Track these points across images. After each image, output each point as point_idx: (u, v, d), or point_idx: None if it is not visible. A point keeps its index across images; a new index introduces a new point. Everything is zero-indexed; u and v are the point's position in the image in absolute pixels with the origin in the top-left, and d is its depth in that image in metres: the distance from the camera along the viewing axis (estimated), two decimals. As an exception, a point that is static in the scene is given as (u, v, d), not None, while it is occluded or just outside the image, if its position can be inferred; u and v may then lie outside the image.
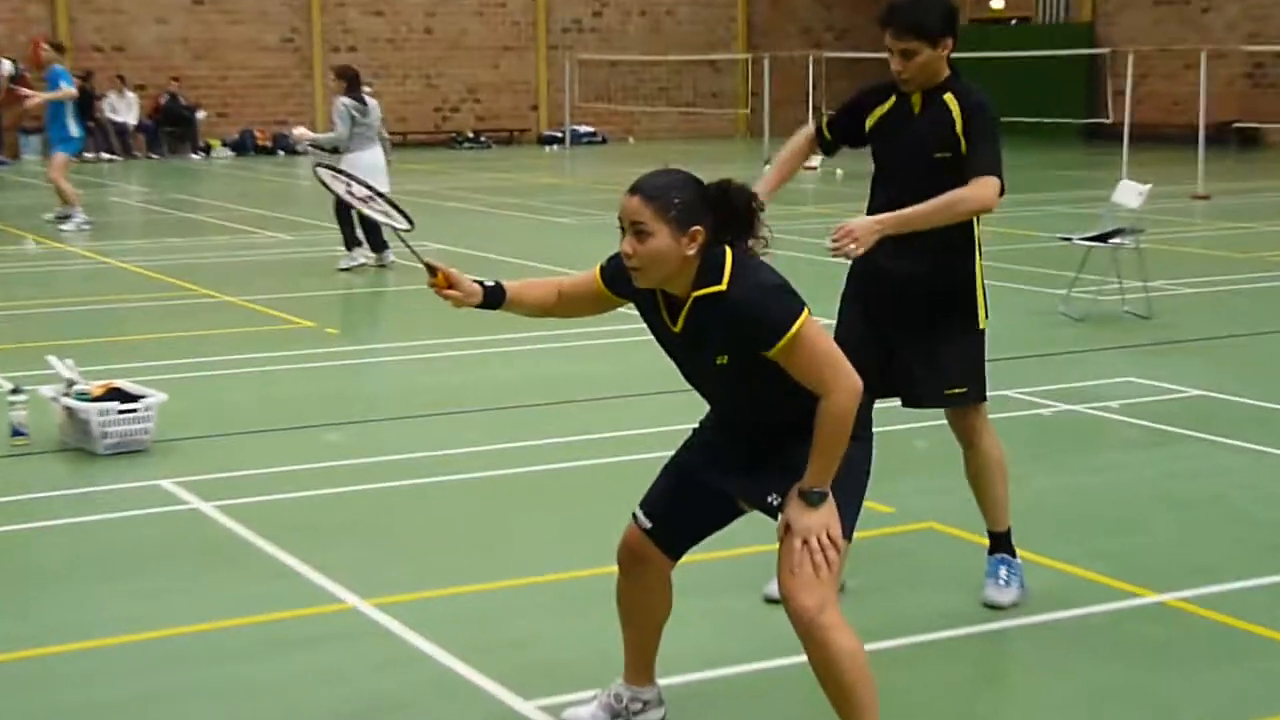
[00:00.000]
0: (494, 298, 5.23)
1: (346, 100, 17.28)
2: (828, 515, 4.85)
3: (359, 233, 17.06)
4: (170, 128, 36.14)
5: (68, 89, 19.74)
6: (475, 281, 5.18)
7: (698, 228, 4.83)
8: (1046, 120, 36.12)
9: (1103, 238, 14.31)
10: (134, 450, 9.15)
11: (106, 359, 11.49)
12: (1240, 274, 16.70)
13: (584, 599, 6.77)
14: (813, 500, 4.85)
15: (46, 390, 9.57)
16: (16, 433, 9.39)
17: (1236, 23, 36.80)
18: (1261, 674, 5.95)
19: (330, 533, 7.77)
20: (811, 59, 33.71)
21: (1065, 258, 15.27)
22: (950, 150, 6.28)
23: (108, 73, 35.81)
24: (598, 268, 5.23)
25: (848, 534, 5.01)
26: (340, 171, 5.65)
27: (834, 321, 6.39)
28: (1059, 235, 15.70)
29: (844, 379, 4.82)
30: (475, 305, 5.20)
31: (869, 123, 6.60)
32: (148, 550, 7.59)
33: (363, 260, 17.15)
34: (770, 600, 6.22)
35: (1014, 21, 41.42)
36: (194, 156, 35.75)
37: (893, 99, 6.51)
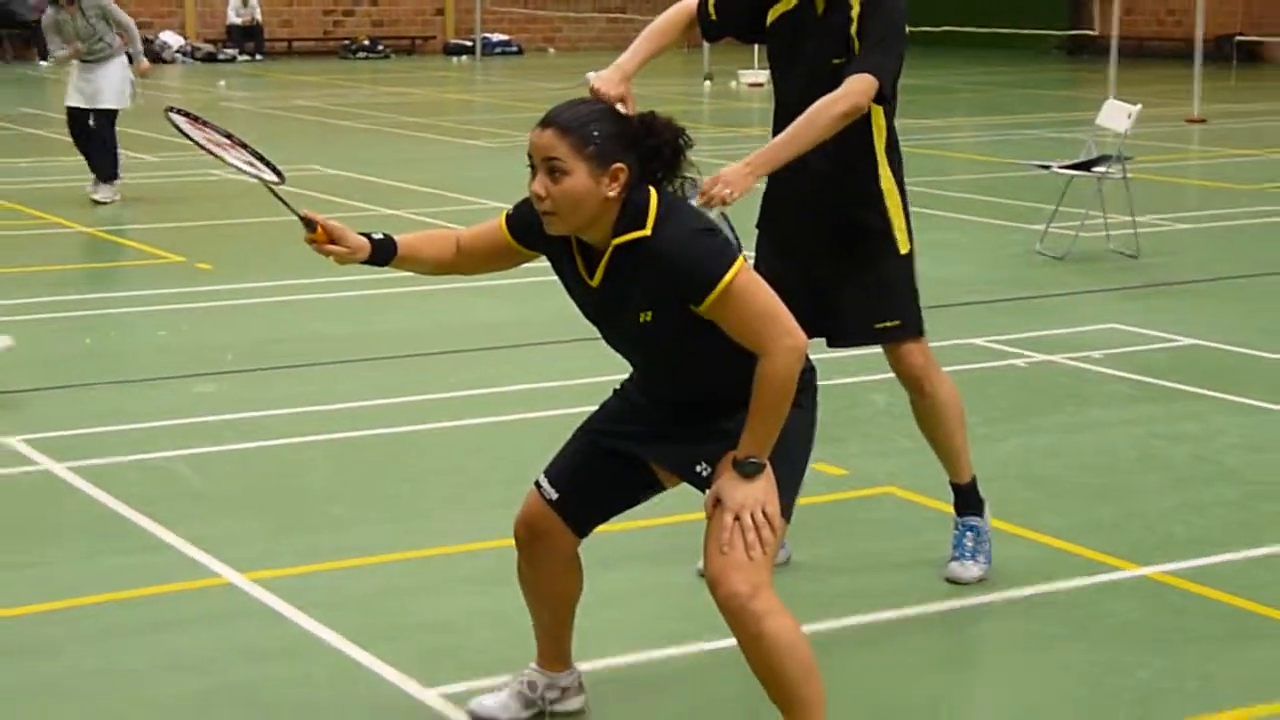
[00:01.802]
0: (383, 253, 5.09)
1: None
2: (764, 489, 4.74)
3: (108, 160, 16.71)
4: (10, 30, 35.67)
5: None
6: (362, 234, 5.05)
7: (620, 165, 4.74)
8: (1024, 32, 36.28)
9: (1086, 166, 14.40)
10: (-23, 403, 9.12)
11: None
12: (1240, 207, 16.89)
13: (492, 573, 6.65)
14: (747, 471, 4.74)
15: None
16: None
17: (1239, -78, 37.08)
18: (1261, 658, 6.01)
19: (203, 498, 7.74)
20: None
21: (1044, 188, 15.38)
22: (845, 56, 6.21)
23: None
24: (503, 216, 5.07)
25: (786, 514, 4.92)
26: (197, 117, 5.47)
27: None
28: (1036, 163, 15.73)
29: (785, 336, 4.72)
30: (361, 261, 5.05)
31: (770, 16, 6.44)
32: (-5, 518, 7.55)
33: (117, 194, 16.76)
34: (705, 576, 6.20)
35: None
36: (42, 64, 35.26)
37: None
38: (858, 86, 6.04)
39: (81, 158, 17.18)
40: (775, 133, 6.27)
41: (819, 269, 6.44)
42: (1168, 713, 5.55)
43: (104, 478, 7.92)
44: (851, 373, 8.33)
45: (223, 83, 32.58)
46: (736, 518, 4.69)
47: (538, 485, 5.21)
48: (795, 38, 6.38)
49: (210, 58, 36.99)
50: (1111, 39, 26.02)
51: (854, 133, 6.22)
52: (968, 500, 6.68)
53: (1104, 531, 7.24)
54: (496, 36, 39.28)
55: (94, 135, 16.75)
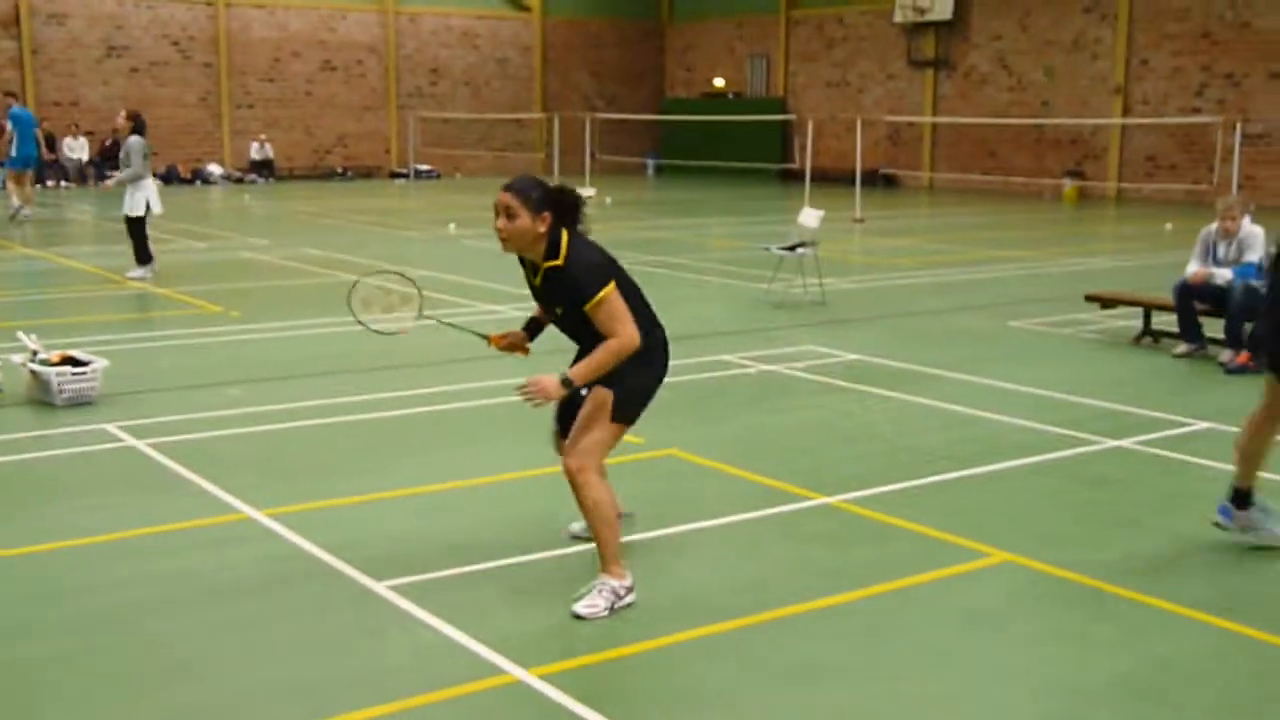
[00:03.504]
0: (535, 331, 5.74)
1: (138, 139, 15.58)
2: (555, 389, 5.15)
3: (144, 251, 15.83)
4: (113, 163, 34.69)
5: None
6: (520, 331, 5.69)
7: (546, 213, 5.19)
8: (752, 165, 36.67)
9: (792, 248, 14.56)
10: (84, 403, 8.86)
11: (63, 335, 11.13)
12: (884, 274, 17.09)
13: (433, 508, 6.68)
14: (563, 382, 5.16)
15: (16, 358, 9.28)
16: (-7, 389, 9.06)
17: (880, 101, 37.71)
18: (898, 551, 6.07)
19: (234, 462, 7.55)
20: (588, 119, 33.74)
21: (767, 262, 15.49)
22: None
23: (65, 121, 34.35)
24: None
25: (625, 418, 5.32)
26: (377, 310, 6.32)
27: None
28: (761, 246, 15.89)
29: (625, 332, 5.18)
30: (529, 342, 5.71)
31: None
32: (95, 477, 7.31)
33: (149, 274, 15.78)
34: (574, 536, 6.08)
35: (731, 95, 41.82)
36: (107, 184, 34.26)
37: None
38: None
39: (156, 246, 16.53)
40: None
41: None
42: (848, 582, 5.56)
43: (168, 449, 7.73)
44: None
45: (248, 196, 31.86)
46: (527, 385, 5.16)
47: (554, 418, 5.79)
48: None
49: (239, 180, 36.21)
50: (806, 169, 26.37)
51: None
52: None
53: (801, 474, 7.28)
54: (424, 166, 38.89)
55: (131, 232, 15.88)
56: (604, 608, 5.20)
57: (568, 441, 5.41)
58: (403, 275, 6.24)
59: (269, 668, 4.78)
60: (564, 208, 5.23)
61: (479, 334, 5.72)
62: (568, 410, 5.63)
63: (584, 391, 5.31)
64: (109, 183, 16.76)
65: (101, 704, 4.50)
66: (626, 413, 5.32)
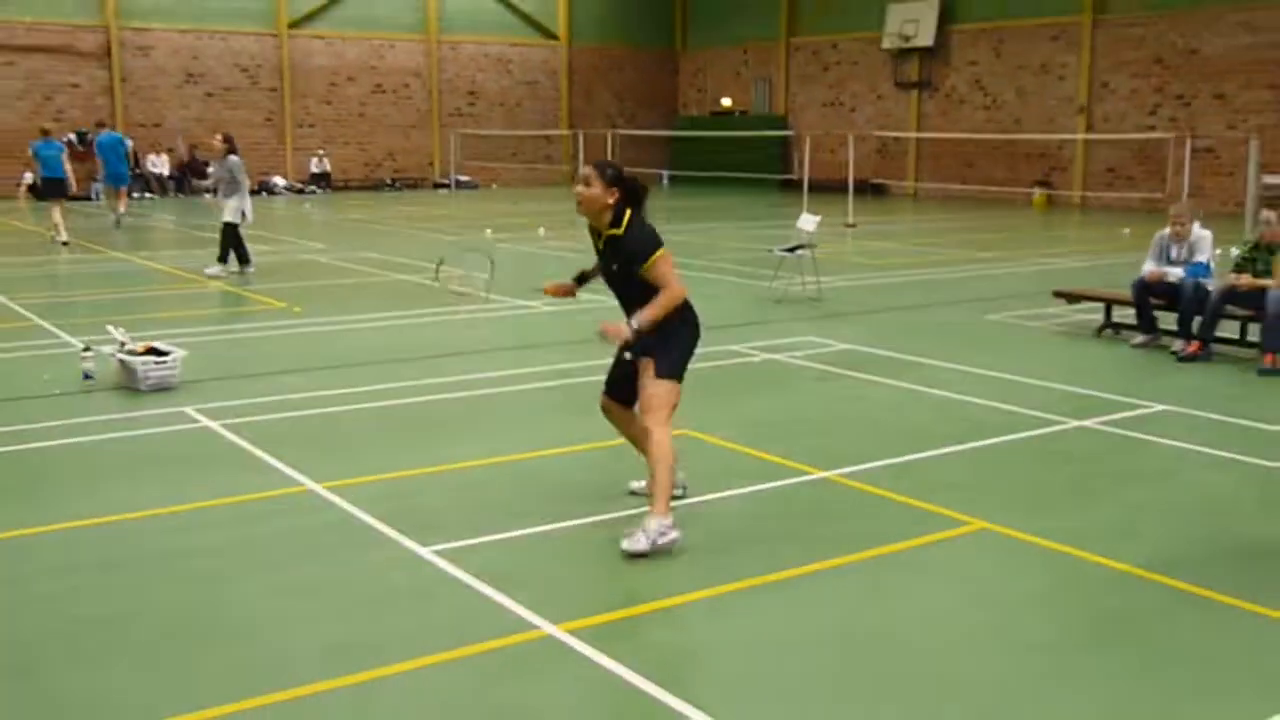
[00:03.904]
0: (583, 281, 6.12)
1: (237, 159, 16.00)
2: (627, 330, 5.49)
3: (232, 254, 15.97)
4: (191, 178, 34.83)
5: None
6: (570, 282, 6.06)
7: (615, 189, 5.58)
8: (757, 175, 36.54)
9: (792, 249, 14.52)
10: (166, 389, 8.87)
11: (147, 327, 11.13)
12: (874, 273, 17.02)
13: (474, 481, 6.66)
14: (632, 325, 5.49)
15: (106, 348, 9.33)
16: (86, 376, 9.12)
17: (871, 118, 37.53)
18: (886, 520, 6.04)
19: (296, 441, 7.55)
20: (609, 135, 33.66)
21: (771, 262, 15.45)
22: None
23: (149, 140, 34.58)
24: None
25: (677, 375, 5.65)
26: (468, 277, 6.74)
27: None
28: (766, 247, 15.84)
29: (675, 286, 5.56)
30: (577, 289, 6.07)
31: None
32: (175, 454, 7.32)
33: (224, 272, 15.88)
34: (633, 492, 6.24)
35: (737, 113, 41.69)
36: (206, 197, 34.30)
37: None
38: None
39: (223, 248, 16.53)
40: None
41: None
42: (843, 548, 5.54)
43: (239, 430, 7.74)
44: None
45: (308, 205, 31.90)
46: (604, 330, 5.52)
47: (604, 388, 6.02)
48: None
49: (300, 191, 36.19)
50: (804, 179, 26.27)
51: None
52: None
53: (801, 452, 7.23)
54: (463, 177, 38.86)
55: (222, 237, 16.10)
56: (646, 544, 5.35)
57: (639, 407, 5.71)
58: (484, 253, 6.78)
59: (322, 626, 4.76)
60: (632, 192, 5.62)
61: (536, 288, 6.22)
62: (618, 381, 5.94)
63: (633, 359, 5.68)
64: (208, 197, 16.92)
65: (166, 658, 4.49)
66: (678, 371, 5.67)
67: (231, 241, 16.09)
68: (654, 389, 5.58)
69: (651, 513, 5.45)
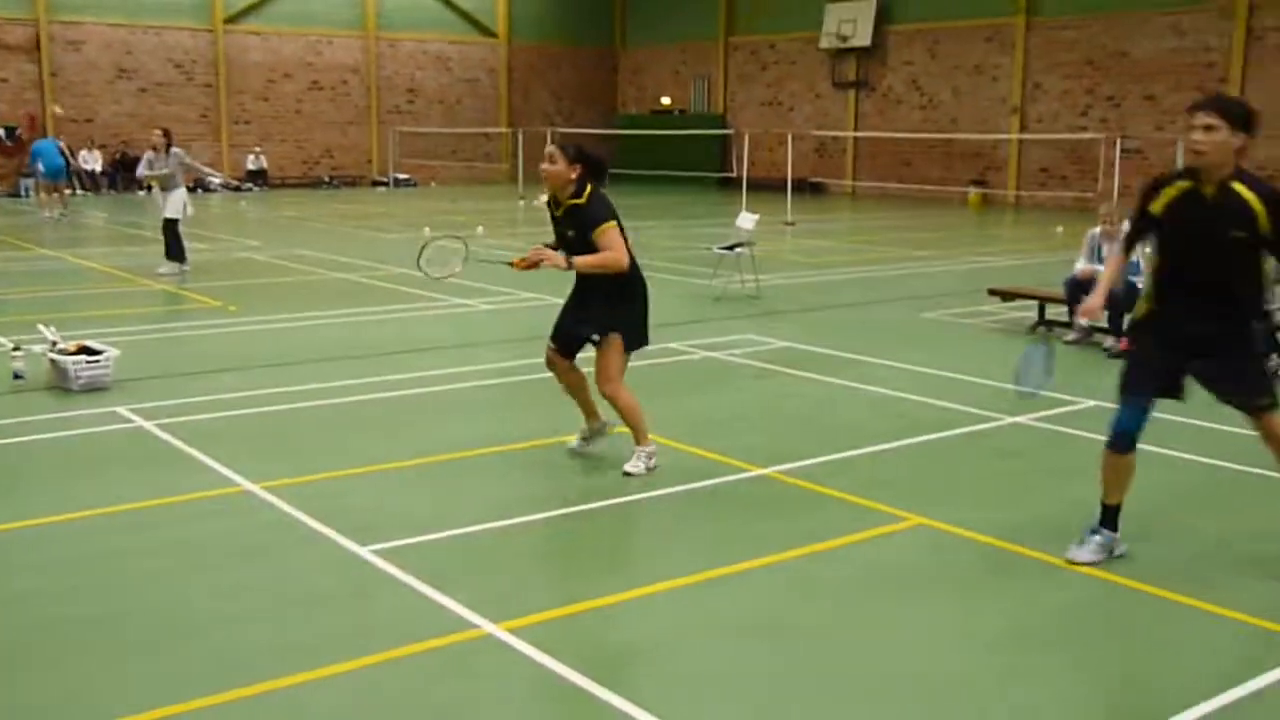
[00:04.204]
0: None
1: (180, 151, 15.73)
2: (559, 259, 6.27)
3: (176, 250, 15.73)
4: (123, 174, 34.23)
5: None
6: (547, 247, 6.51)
7: (578, 165, 6.37)
8: (696, 173, 36.64)
9: (731, 248, 14.57)
10: (98, 388, 8.72)
11: (80, 326, 10.94)
12: (812, 271, 17.14)
13: (413, 480, 6.61)
14: (572, 261, 6.29)
15: (37, 347, 9.20)
16: (16, 376, 8.96)
17: (809, 117, 37.80)
18: (824, 516, 6.06)
19: (232, 441, 7.45)
20: (548, 133, 33.60)
21: (709, 260, 15.49)
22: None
23: (81, 136, 33.89)
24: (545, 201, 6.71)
25: (636, 345, 6.56)
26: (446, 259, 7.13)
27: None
28: (705, 245, 15.89)
29: (618, 253, 6.31)
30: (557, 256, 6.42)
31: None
32: (109, 454, 7.21)
33: (177, 269, 15.66)
34: (573, 452, 6.99)
35: (676, 112, 41.77)
36: (140, 193, 33.80)
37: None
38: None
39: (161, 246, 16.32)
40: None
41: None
42: (779, 544, 5.58)
43: (173, 429, 7.62)
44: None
45: (244, 202, 31.48)
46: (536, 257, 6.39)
47: (549, 341, 6.77)
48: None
49: (237, 188, 35.72)
50: (743, 178, 26.35)
51: None
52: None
53: (740, 449, 7.26)
54: (402, 175, 38.55)
55: (166, 233, 15.86)
56: (644, 467, 6.57)
57: (597, 375, 6.55)
58: (456, 237, 7.24)
59: (261, 627, 4.71)
60: (595, 167, 6.42)
61: (505, 263, 6.67)
62: (564, 338, 6.71)
63: (596, 338, 6.51)
64: (142, 193, 16.56)
65: (103, 661, 4.41)
66: (631, 342, 6.54)
67: (171, 237, 15.81)
68: (605, 361, 6.50)
69: (639, 444, 6.62)
